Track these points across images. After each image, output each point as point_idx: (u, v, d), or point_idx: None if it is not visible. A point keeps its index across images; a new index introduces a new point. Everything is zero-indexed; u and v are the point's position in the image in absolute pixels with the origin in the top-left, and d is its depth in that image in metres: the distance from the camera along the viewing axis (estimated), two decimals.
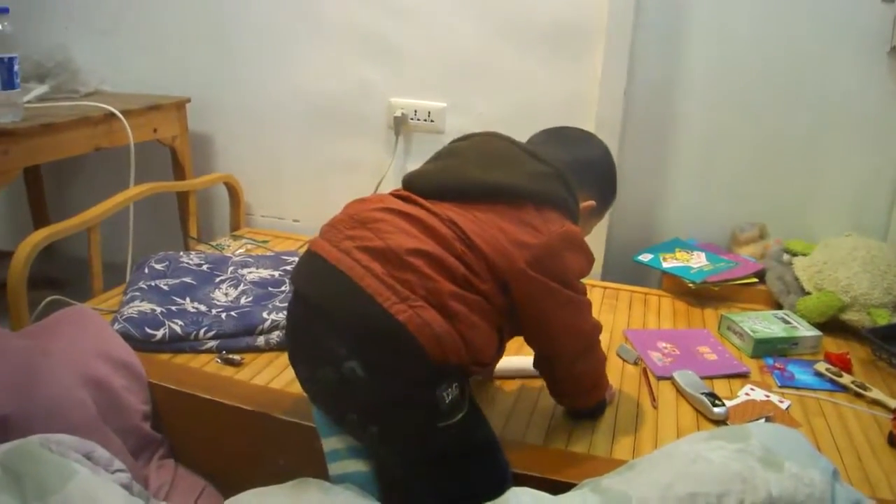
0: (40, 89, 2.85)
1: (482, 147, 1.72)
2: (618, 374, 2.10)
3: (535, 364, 1.83)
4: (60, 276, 3.09)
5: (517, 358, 2.04)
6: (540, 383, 1.97)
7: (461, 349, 1.47)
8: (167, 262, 2.52)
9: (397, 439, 1.54)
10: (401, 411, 1.49)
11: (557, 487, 1.46)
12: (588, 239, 2.75)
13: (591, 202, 1.79)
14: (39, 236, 2.20)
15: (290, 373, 1.94)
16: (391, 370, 1.46)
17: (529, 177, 1.63)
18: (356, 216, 1.56)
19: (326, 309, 1.50)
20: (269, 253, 2.82)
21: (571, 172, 1.69)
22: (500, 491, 1.41)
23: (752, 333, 2.24)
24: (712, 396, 1.91)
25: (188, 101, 3.14)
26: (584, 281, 2.61)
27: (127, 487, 1.51)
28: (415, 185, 1.66)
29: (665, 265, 2.71)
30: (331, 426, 1.64)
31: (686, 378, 2.02)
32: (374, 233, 1.51)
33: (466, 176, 1.63)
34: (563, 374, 1.78)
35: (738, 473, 1.34)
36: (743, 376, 2.12)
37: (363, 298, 1.44)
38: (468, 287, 1.49)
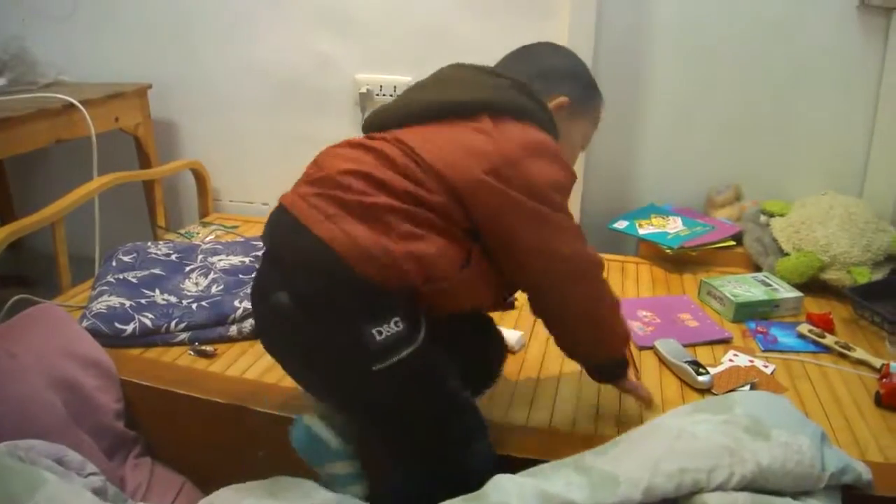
0: None
1: (440, 75, 1.67)
2: None
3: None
4: (30, 273, 3.05)
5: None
6: (520, 358, 1.96)
7: (408, 268, 1.39)
8: (135, 254, 2.47)
9: (336, 388, 1.50)
10: (329, 353, 1.43)
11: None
12: None
13: (563, 98, 1.65)
14: (3, 234, 2.16)
15: (265, 362, 1.92)
16: (319, 301, 1.41)
17: (484, 89, 1.56)
18: (315, 159, 1.55)
19: (272, 249, 1.52)
20: (238, 238, 2.78)
21: (536, 80, 1.63)
22: (473, 456, 1.45)
23: (732, 298, 2.22)
24: (696, 364, 1.89)
25: (149, 87, 3.09)
26: None
27: (101, 491, 1.48)
28: (374, 124, 1.61)
29: (641, 231, 2.69)
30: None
31: (668, 346, 1.99)
32: (319, 166, 1.50)
33: (422, 100, 1.58)
34: (552, 312, 1.64)
35: (725, 446, 1.33)
36: (725, 342, 2.10)
37: (294, 224, 1.42)
38: (414, 201, 1.42)
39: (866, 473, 1.41)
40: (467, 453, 1.48)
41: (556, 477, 1.35)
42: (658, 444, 1.36)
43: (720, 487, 1.28)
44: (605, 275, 1.61)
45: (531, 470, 1.41)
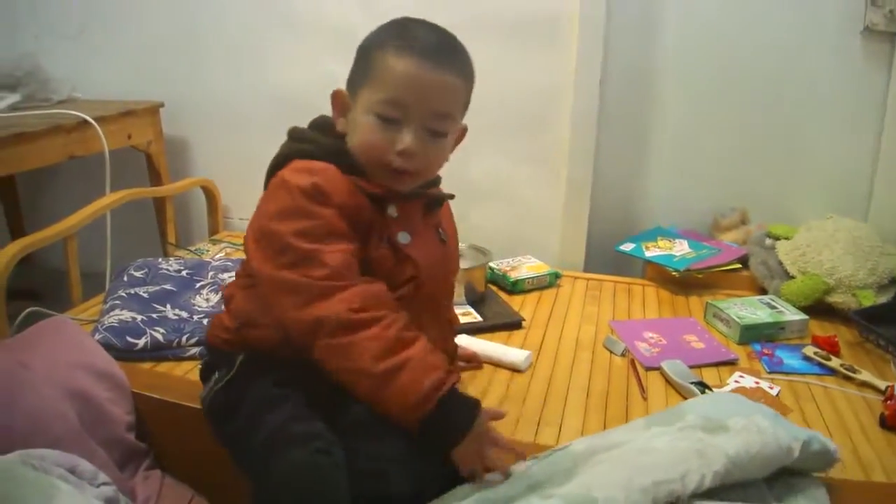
0: (11, 99, 2.82)
1: None
2: (606, 366, 2.08)
3: None
4: (38, 287, 3.06)
5: (493, 344, 2.10)
6: (527, 377, 1.98)
7: (223, 321, 1.59)
8: (146, 270, 2.48)
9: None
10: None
11: None
12: (570, 229, 2.75)
13: (337, 90, 1.60)
14: (15, 248, 2.18)
15: None
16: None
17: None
18: None
19: None
20: None
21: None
22: (277, 466, 1.34)
23: (738, 320, 2.23)
24: (702, 385, 1.90)
25: (161, 105, 3.11)
26: (564, 273, 2.58)
27: (113, 501, 1.49)
28: None
29: (648, 254, 2.70)
30: None
31: (674, 367, 2.00)
32: None
33: None
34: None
35: (690, 449, 1.35)
36: (731, 363, 2.11)
37: None
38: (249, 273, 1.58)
39: (831, 444, 1.44)
40: (271, 462, 1.35)
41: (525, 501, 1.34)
42: (625, 462, 1.37)
43: (696, 491, 1.29)
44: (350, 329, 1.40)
45: (475, 491, 1.37)
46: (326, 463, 1.32)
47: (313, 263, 1.41)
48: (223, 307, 1.64)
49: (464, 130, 1.62)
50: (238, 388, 1.47)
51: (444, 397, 1.37)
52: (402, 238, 1.55)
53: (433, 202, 1.66)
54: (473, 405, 1.43)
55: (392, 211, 1.54)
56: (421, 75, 1.48)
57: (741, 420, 1.39)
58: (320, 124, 1.61)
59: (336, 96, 1.58)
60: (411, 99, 1.48)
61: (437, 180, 1.70)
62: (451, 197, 1.70)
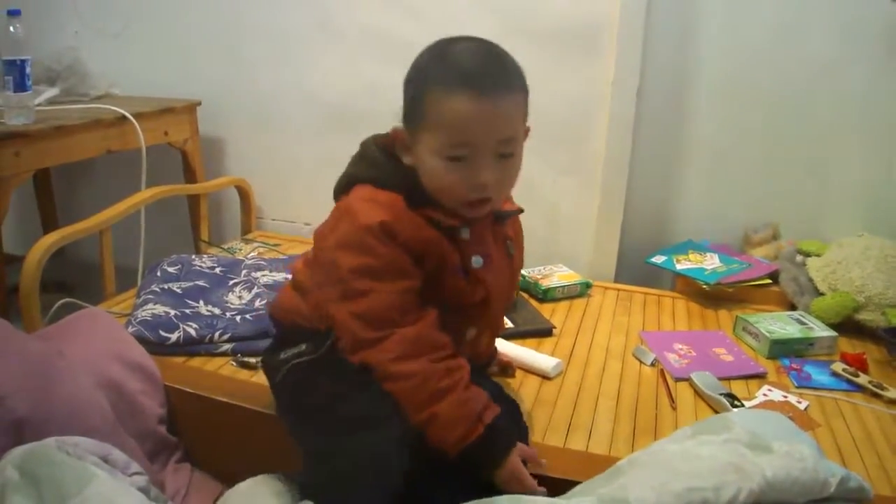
0: (51, 92, 2.85)
1: None
2: (635, 376, 2.09)
3: None
4: (69, 280, 3.09)
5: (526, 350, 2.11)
6: (557, 384, 1.98)
7: (300, 307, 1.61)
8: (180, 266, 2.51)
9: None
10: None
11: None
12: (602, 240, 2.76)
13: (395, 130, 1.54)
14: (52, 239, 2.20)
15: None
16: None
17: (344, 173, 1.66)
18: None
19: None
20: (282, 256, 2.81)
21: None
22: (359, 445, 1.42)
23: (767, 334, 2.23)
24: (731, 397, 1.91)
25: (199, 104, 3.14)
26: (595, 283, 2.58)
27: (144, 491, 1.50)
28: None
29: (679, 267, 2.70)
30: None
31: (704, 379, 2.01)
32: None
33: None
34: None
35: (730, 463, 1.35)
36: (760, 377, 2.11)
37: None
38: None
39: (864, 481, 1.43)
40: (352, 441, 1.43)
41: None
42: (664, 468, 1.37)
43: None
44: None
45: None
46: (392, 450, 1.39)
47: (361, 301, 1.46)
48: (291, 286, 1.69)
49: (527, 132, 1.57)
50: (325, 364, 1.53)
51: (469, 445, 1.43)
52: (476, 262, 1.54)
53: (502, 216, 1.64)
54: (498, 450, 1.47)
55: (465, 234, 1.53)
56: (479, 110, 1.41)
57: (785, 445, 1.39)
58: (389, 144, 1.56)
59: (395, 136, 1.53)
60: (476, 136, 1.42)
61: None
62: (521, 211, 1.71)
